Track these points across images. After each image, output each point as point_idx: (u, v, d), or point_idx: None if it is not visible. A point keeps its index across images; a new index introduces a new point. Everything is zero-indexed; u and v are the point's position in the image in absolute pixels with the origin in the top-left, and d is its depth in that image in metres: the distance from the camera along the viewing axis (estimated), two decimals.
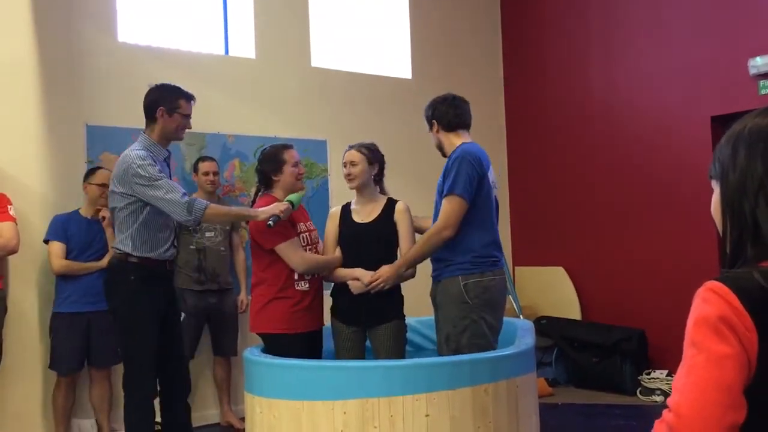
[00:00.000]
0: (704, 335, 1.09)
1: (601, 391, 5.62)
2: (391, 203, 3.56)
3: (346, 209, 3.62)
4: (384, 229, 3.50)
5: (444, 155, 3.47)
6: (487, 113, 6.98)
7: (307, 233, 3.57)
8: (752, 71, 5.12)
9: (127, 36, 5.16)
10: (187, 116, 3.60)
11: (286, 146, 3.63)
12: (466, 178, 3.19)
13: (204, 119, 5.32)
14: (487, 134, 6.96)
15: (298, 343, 3.40)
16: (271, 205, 3.40)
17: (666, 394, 5.21)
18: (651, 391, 5.39)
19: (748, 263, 1.16)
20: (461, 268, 3.25)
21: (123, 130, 4.98)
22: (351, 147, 3.59)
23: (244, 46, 5.69)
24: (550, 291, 6.48)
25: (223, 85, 5.45)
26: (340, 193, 5.90)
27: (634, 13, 6.02)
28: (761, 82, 5.11)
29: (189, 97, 3.61)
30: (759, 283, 1.10)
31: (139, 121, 5.04)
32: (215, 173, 5.03)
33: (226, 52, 5.74)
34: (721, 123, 5.38)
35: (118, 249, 3.52)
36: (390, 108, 6.31)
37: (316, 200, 5.81)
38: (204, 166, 5.02)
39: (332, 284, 3.60)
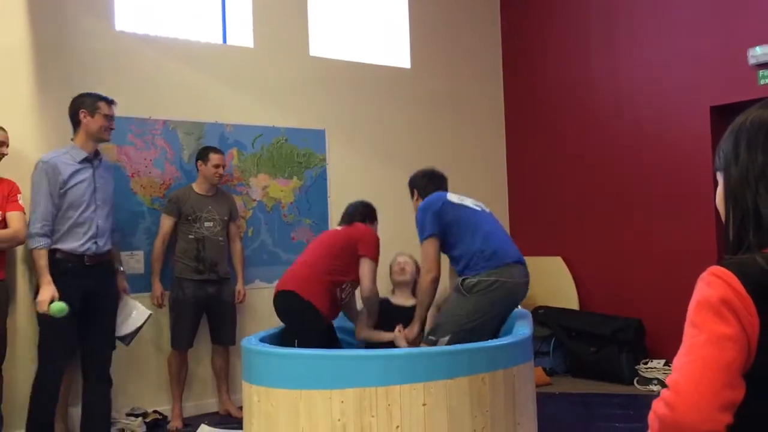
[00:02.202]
0: (705, 316, 1.10)
1: (599, 381, 5.63)
2: None
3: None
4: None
5: None
6: (486, 103, 6.98)
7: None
8: (751, 61, 5.11)
9: (124, 24, 5.14)
10: (108, 117, 3.91)
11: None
12: (422, 222, 3.66)
13: (202, 108, 5.33)
14: (486, 123, 6.96)
15: (328, 330, 3.94)
16: (46, 299, 3.67)
17: (663, 384, 5.23)
18: (648, 381, 5.41)
19: (750, 250, 1.17)
20: (462, 273, 3.63)
21: (120, 119, 4.95)
22: (402, 254, 4.57)
23: (242, 34, 5.67)
24: (548, 281, 6.49)
25: (221, 74, 5.43)
26: (338, 183, 5.90)
27: (635, 2, 6.00)
28: (760, 72, 5.10)
29: (109, 101, 3.94)
30: (762, 267, 1.12)
31: (136, 110, 5.06)
32: (224, 166, 5.05)
33: (224, 40, 5.72)
34: (720, 113, 5.37)
35: None
36: (389, 97, 6.29)
37: (314, 190, 5.80)
38: (215, 158, 4.99)
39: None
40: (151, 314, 4.21)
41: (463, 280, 3.55)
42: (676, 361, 1.12)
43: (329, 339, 3.92)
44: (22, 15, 4.61)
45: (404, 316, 4.03)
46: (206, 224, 4.94)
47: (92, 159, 3.89)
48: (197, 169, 5.05)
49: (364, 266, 3.89)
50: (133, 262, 4.98)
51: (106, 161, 4.11)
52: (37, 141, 4.60)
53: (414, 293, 4.28)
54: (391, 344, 3.94)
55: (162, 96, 5.16)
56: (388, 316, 4.13)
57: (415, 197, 3.95)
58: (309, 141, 5.80)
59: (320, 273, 3.85)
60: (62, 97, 4.74)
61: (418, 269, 4.30)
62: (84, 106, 3.87)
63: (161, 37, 5.23)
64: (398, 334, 3.92)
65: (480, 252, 3.57)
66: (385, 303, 4.26)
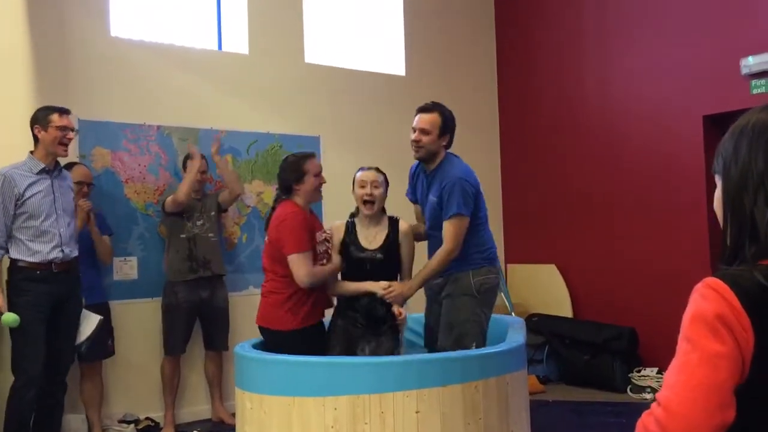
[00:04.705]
0: (700, 333, 1.08)
1: (592, 389, 5.63)
2: (393, 224, 3.61)
3: (351, 228, 3.62)
4: (392, 254, 3.56)
5: (422, 159, 3.62)
6: (481, 111, 6.99)
7: (324, 242, 3.61)
8: (744, 71, 5.13)
9: (120, 30, 5.14)
10: (63, 127, 3.91)
11: (308, 156, 3.64)
12: (467, 198, 3.44)
13: (196, 114, 5.33)
14: (480, 131, 6.97)
15: (308, 335, 3.48)
16: None
17: (656, 392, 5.23)
18: (641, 389, 5.41)
19: (747, 262, 1.15)
20: (471, 264, 3.52)
21: (115, 125, 4.98)
22: (367, 168, 3.60)
23: (238, 41, 5.67)
24: (542, 288, 6.49)
25: (216, 80, 5.43)
26: (332, 190, 5.88)
27: (628, 12, 6.03)
28: (753, 82, 5.13)
29: (61, 111, 3.93)
30: (758, 281, 1.09)
31: (131, 116, 5.06)
32: (203, 172, 5.02)
33: (220, 47, 5.72)
34: (713, 122, 5.40)
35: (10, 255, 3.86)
36: (383, 105, 6.30)
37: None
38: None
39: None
40: (101, 319, 4.20)
41: (471, 277, 3.48)
42: (669, 376, 1.11)
43: (319, 335, 3.57)
44: (19, 19, 4.60)
45: (379, 265, 3.54)
46: (198, 222, 4.95)
47: (51, 170, 3.93)
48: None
49: (292, 265, 3.38)
50: (126, 268, 4.97)
51: (65, 171, 4.15)
52: (33, 146, 4.59)
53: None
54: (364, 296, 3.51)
55: (157, 102, 5.16)
56: (363, 263, 3.55)
57: (443, 140, 3.54)
58: (304, 147, 5.76)
59: (269, 294, 3.54)
60: (58, 101, 4.72)
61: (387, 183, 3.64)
62: (37, 122, 3.90)
63: (157, 42, 5.24)
64: (382, 290, 3.46)
65: (491, 245, 3.60)
66: (355, 238, 3.59)
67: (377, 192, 3.50)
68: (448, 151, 3.64)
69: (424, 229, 3.73)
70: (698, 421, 1.05)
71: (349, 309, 3.57)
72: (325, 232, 3.64)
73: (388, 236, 3.56)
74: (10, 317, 3.67)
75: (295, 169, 3.54)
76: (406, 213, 3.91)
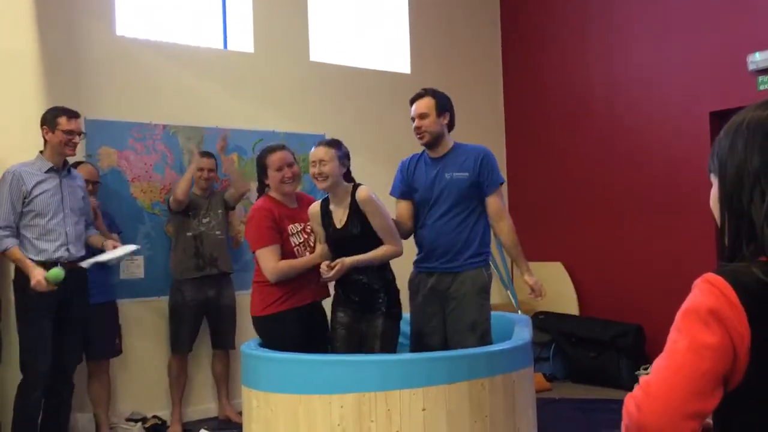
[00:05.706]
0: (691, 324, 1.10)
1: (599, 386, 5.63)
2: (353, 195, 3.41)
3: (325, 209, 3.48)
4: (357, 230, 3.37)
5: (429, 144, 3.59)
6: (486, 108, 6.98)
7: (302, 232, 3.52)
8: (751, 67, 5.12)
9: (126, 29, 5.15)
10: (70, 131, 3.92)
11: (270, 150, 3.59)
12: (498, 169, 3.59)
13: (202, 113, 5.34)
14: (486, 128, 6.97)
15: (291, 317, 3.40)
16: (40, 279, 3.70)
17: None
18: None
19: (746, 259, 1.15)
20: (483, 260, 3.54)
21: (121, 124, 4.99)
22: (318, 144, 3.47)
23: (243, 40, 5.68)
24: (549, 286, 6.38)
25: (221, 79, 5.44)
26: None
27: (634, 8, 6.02)
28: (760, 78, 5.11)
29: (70, 114, 3.93)
30: (757, 277, 1.10)
31: (137, 115, 5.07)
32: (210, 170, 5.03)
33: (225, 46, 5.73)
34: (719, 118, 5.38)
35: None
36: (388, 103, 6.29)
37: (313, 195, 5.78)
38: (200, 162, 5.00)
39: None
40: (138, 248, 4.18)
41: (484, 274, 3.50)
42: (656, 362, 1.13)
43: (308, 321, 3.47)
44: (26, 20, 4.62)
45: (350, 244, 3.36)
46: (204, 220, 4.97)
47: (59, 169, 3.95)
48: None
49: (259, 260, 3.40)
50: (133, 267, 4.99)
51: (75, 171, 4.17)
52: (41, 145, 4.60)
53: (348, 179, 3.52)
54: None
55: (162, 101, 5.17)
56: (338, 244, 3.41)
57: (443, 119, 3.57)
58: (308, 146, 5.77)
59: (255, 282, 3.53)
60: (64, 100, 4.74)
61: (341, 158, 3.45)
62: (45, 123, 3.93)
63: (162, 41, 5.25)
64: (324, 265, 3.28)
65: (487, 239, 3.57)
66: (329, 219, 3.45)
67: (325, 169, 3.34)
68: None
69: (409, 226, 3.62)
70: (673, 405, 1.06)
71: (342, 293, 3.45)
72: (306, 224, 3.54)
73: (349, 213, 3.39)
74: (53, 273, 3.69)
75: (259, 164, 3.59)
76: None
